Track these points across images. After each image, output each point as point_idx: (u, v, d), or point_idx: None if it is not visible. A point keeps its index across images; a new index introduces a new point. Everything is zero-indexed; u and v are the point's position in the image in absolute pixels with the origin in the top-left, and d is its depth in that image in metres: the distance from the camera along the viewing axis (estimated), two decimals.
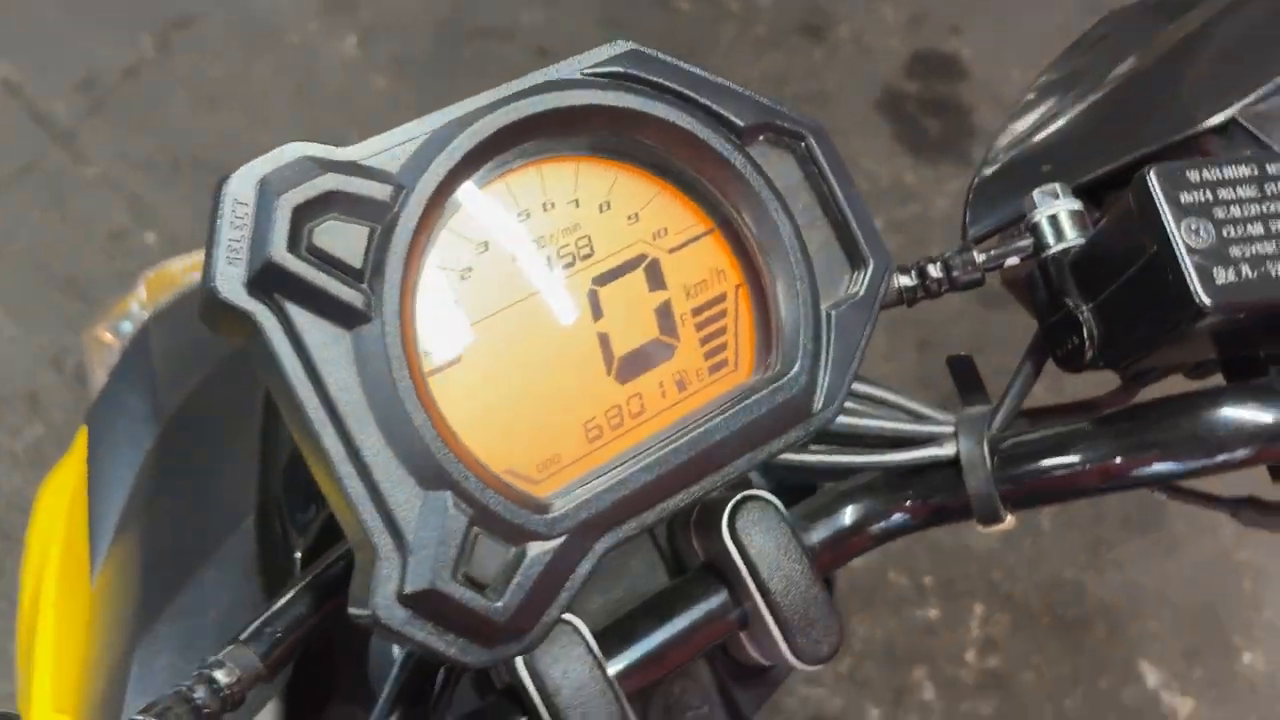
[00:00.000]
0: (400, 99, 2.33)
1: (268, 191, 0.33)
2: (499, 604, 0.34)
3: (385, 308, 0.34)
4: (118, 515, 0.68)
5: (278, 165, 0.34)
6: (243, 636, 0.38)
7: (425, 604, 0.34)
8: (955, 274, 0.46)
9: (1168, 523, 1.81)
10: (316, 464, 0.35)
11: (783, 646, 0.44)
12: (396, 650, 0.52)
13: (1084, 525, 1.77)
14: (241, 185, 0.34)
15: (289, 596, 0.40)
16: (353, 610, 0.35)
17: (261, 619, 0.39)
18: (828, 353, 0.40)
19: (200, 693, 0.36)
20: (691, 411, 0.39)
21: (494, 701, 0.43)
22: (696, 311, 0.40)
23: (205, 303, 0.34)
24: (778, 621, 0.44)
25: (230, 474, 0.63)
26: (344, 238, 0.34)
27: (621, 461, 0.38)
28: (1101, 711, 1.64)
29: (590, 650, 0.41)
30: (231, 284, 0.33)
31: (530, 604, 0.35)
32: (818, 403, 0.40)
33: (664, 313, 0.40)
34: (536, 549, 0.35)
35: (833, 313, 0.40)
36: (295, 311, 0.34)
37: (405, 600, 0.34)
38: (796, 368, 0.39)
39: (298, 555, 0.55)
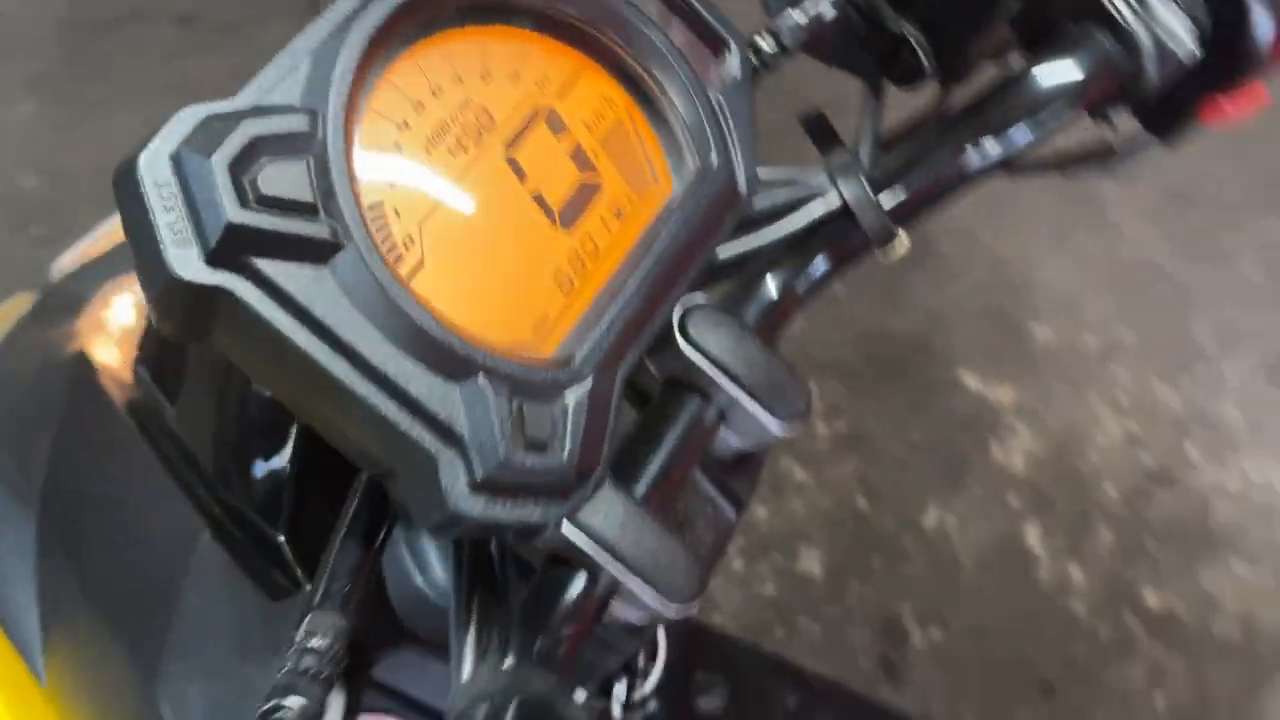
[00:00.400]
0: (56, 118, 2.14)
1: (190, 161, 0.32)
2: (563, 454, 0.36)
3: (353, 231, 0.34)
4: (35, 602, 0.63)
5: (183, 135, 0.33)
6: (315, 602, 0.38)
7: (497, 484, 0.35)
8: (785, 41, 0.49)
9: (938, 249, 1.98)
10: (340, 406, 0.34)
11: (765, 419, 0.48)
12: (414, 570, 0.53)
13: (871, 276, 1.92)
14: (154, 166, 0.32)
15: (336, 549, 0.40)
16: (426, 520, 0.35)
17: (324, 580, 0.39)
18: (732, 137, 0.43)
19: (309, 661, 0.36)
20: (641, 234, 0.41)
21: (545, 573, 0.44)
22: (604, 143, 0.42)
23: (162, 297, 0.33)
24: (755, 399, 0.47)
25: (151, 501, 0.60)
26: (286, 177, 0.33)
27: (602, 300, 0.39)
28: (944, 428, 1.81)
29: (616, 488, 0.44)
30: (190, 265, 0.32)
31: (588, 444, 0.36)
32: (741, 184, 0.43)
33: (577, 154, 0.41)
34: (573, 395, 0.37)
35: (721, 98, 0.43)
36: (267, 266, 0.33)
37: (478, 488, 0.35)
38: (715, 158, 0.42)
39: (281, 538, 0.54)
